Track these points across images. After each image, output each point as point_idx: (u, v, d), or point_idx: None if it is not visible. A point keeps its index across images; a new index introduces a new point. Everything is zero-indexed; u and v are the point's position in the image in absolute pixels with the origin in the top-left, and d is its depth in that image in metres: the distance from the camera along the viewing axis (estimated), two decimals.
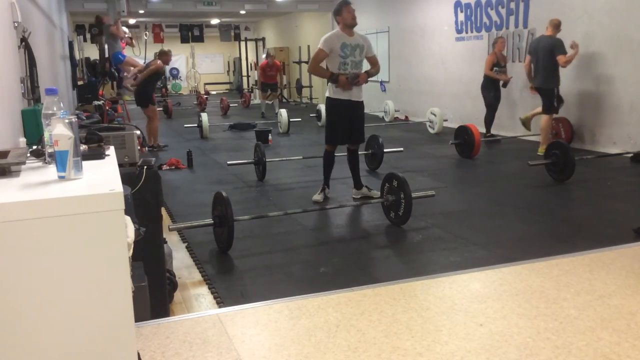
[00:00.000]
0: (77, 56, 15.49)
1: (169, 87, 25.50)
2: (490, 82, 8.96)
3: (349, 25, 5.11)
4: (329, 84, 5.24)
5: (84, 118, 7.38)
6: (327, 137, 5.42)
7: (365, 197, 5.43)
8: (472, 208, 5.32)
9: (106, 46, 11.79)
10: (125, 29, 11.66)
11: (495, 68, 8.87)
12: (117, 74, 11.67)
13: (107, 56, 11.80)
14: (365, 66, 5.34)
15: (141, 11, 16.75)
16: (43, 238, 1.54)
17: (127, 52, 17.83)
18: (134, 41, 11.71)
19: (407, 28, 12.80)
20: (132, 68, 11.24)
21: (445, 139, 8.89)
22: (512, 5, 9.45)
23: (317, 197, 5.49)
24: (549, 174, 6.09)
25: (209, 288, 3.55)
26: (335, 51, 5.08)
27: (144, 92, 9.00)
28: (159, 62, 9.00)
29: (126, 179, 2.28)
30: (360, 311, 2.79)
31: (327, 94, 5.33)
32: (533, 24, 9.03)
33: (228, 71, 27.92)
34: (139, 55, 17.34)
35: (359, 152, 7.33)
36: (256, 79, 20.56)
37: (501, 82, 8.95)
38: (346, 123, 5.26)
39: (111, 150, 2.31)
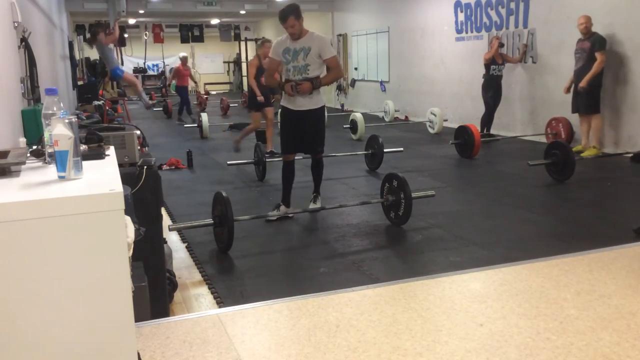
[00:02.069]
0: (77, 56, 15.49)
1: (169, 87, 25.48)
2: (489, 82, 8.96)
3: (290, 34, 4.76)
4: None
5: (84, 118, 7.38)
6: (280, 145, 5.13)
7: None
8: (472, 208, 5.32)
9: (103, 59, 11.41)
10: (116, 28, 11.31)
11: (492, 66, 8.87)
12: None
13: (107, 70, 11.60)
14: (315, 71, 4.79)
15: (141, 11, 16.75)
16: (43, 238, 1.54)
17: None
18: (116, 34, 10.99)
19: (407, 28, 12.80)
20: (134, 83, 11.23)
21: (445, 139, 8.89)
22: (512, 5, 9.45)
23: (271, 213, 4.91)
24: (549, 174, 6.09)
25: (209, 288, 3.55)
26: (280, 57, 4.82)
27: (249, 95, 8.42)
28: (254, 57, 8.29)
29: (126, 179, 2.28)
30: (360, 311, 2.79)
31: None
32: (533, 24, 9.03)
33: (228, 71, 27.91)
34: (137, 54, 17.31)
35: (359, 153, 7.42)
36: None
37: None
38: (293, 131, 4.92)
39: (111, 150, 2.31)
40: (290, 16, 4.68)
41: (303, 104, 4.81)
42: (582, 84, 7.13)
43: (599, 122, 7.38)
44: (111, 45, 11.08)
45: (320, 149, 5.03)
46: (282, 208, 4.93)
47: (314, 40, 4.78)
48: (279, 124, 5.76)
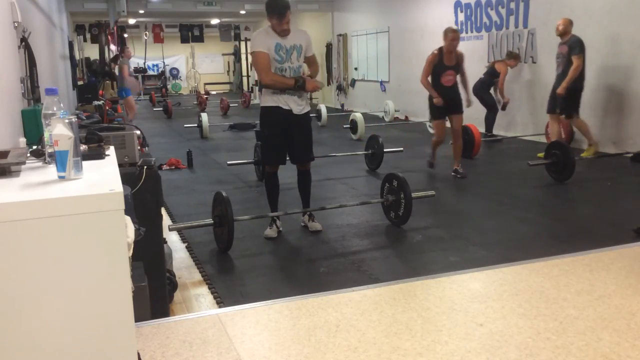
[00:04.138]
0: (77, 56, 15.50)
1: (169, 87, 25.53)
2: (488, 83, 8.94)
3: (277, 32, 4.23)
4: (264, 90, 4.34)
5: (84, 118, 7.38)
6: (262, 155, 4.57)
7: (306, 226, 4.66)
8: (472, 208, 5.32)
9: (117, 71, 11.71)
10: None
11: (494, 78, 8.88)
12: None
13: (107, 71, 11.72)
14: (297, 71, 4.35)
15: (141, 11, 16.76)
16: (43, 238, 1.54)
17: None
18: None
19: (407, 28, 12.79)
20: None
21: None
22: (512, 5, 9.45)
23: (269, 232, 4.50)
24: (549, 174, 6.09)
25: (209, 288, 3.55)
26: (270, 54, 4.18)
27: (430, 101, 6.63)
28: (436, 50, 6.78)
29: (126, 179, 2.28)
30: (360, 311, 2.79)
31: (261, 104, 4.43)
32: (533, 24, 9.03)
33: (228, 71, 27.93)
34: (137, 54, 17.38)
35: (360, 152, 7.41)
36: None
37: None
38: (283, 138, 4.36)
39: (111, 150, 2.31)
40: (288, 10, 4.15)
41: (300, 105, 4.34)
42: (560, 90, 6.80)
43: (581, 124, 7.16)
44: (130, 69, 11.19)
45: (312, 156, 4.56)
46: (278, 222, 4.56)
47: (302, 36, 4.33)
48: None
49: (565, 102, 6.97)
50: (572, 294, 2.90)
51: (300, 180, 4.63)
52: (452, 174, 6.40)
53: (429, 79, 6.39)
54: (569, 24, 7.04)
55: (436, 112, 6.45)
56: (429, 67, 6.36)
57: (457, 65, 6.43)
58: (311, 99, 17.81)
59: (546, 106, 7.36)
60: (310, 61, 4.44)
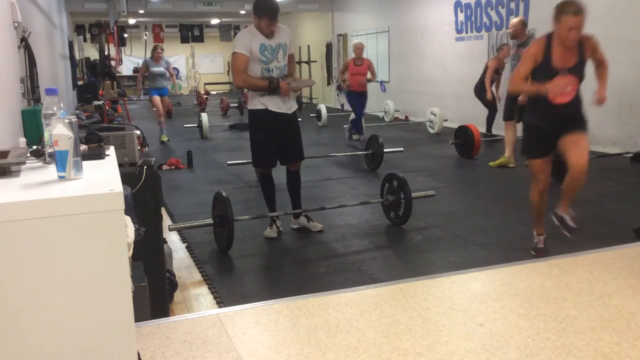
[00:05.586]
0: (77, 56, 15.50)
1: (169, 87, 25.54)
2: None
3: (264, 33, 4.16)
4: (251, 93, 4.31)
5: (84, 118, 7.39)
6: (254, 159, 4.55)
7: (304, 227, 4.62)
8: (472, 208, 5.32)
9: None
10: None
11: (493, 74, 8.80)
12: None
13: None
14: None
15: (141, 11, 16.76)
16: (43, 238, 1.54)
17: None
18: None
19: (407, 28, 12.80)
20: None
21: (445, 139, 8.89)
22: (512, 5, 9.46)
23: (269, 232, 4.49)
24: None
25: (209, 288, 3.55)
26: (254, 55, 4.10)
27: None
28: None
29: (126, 179, 2.28)
30: (360, 311, 2.79)
31: (249, 106, 4.38)
32: (533, 24, 9.00)
33: (228, 71, 27.92)
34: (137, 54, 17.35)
35: (360, 152, 7.41)
36: None
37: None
38: (275, 139, 4.31)
39: (111, 150, 2.31)
40: (279, 12, 4.15)
41: (290, 106, 4.34)
42: (522, 99, 5.72)
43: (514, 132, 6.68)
44: (162, 69, 10.79)
45: (303, 154, 4.53)
46: (278, 222, 4.57)
47: (286, 34, 4.26)
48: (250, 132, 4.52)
49: (505, 106, 6.66)
50: (572, 294, 2.90)
51: (290, 182, 4.57)
52: (557, 223, 3.94)
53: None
54: (519, 24, 6.56)
55: (538, 145, 3.94)
56: (526, 67, 3.62)
57: (580, 64, 3.79)
58: (311, 98, 17.83)
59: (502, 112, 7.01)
60: (289, 59, 4.34)
